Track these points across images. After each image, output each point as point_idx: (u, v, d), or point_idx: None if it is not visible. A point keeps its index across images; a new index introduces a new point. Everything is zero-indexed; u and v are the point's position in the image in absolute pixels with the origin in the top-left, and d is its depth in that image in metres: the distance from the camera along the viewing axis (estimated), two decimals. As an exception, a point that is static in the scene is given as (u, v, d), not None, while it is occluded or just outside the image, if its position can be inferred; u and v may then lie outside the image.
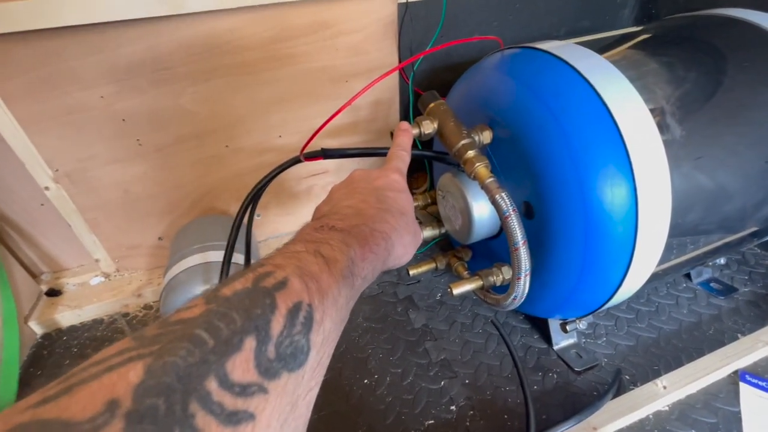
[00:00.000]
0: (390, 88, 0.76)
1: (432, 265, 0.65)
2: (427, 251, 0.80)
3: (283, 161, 0.53)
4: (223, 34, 0.61)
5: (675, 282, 0.71)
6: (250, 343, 0.19)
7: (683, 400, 0.55)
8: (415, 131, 0.50)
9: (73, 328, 0.69)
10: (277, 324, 0.20)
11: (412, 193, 0.67)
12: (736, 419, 0.52)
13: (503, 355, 0.61)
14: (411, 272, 0.64)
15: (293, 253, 0.25)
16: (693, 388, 0.55)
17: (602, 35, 0.59)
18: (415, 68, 0.74)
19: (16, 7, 0.49)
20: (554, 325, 0.61)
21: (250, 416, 0.17)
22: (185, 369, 0.17)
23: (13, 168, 0.61)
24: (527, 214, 0.51)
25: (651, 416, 0.53)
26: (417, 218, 0.66)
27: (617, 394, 0.54)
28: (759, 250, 0.76)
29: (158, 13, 0.54)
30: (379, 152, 0.54)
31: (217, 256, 0.60)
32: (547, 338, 0.62)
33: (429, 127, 0.50)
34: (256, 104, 0.68)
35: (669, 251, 0.48)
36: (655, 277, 0.51)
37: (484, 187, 0.45)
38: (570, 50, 0.49)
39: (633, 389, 0.55)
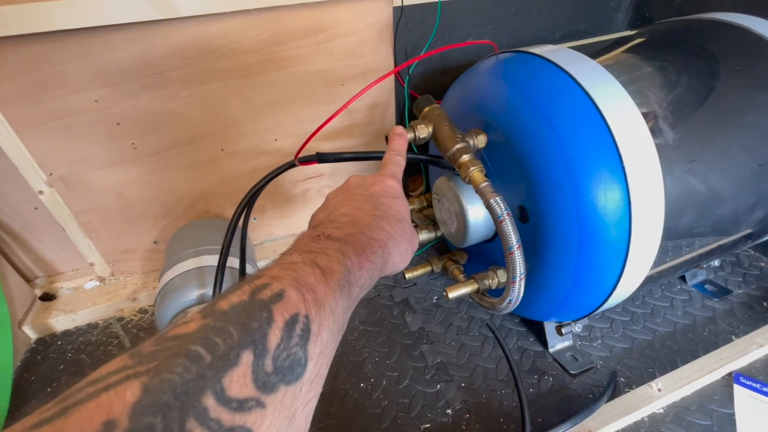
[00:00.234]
0: (385, 91, 0.76)
1: (428, 268, 0.65)
2: (423, 254, 0.80)
3: (277, 164, 0.53)
4: (217, 38, 0.60)
5: (670, 284, 0.71)
6: (247, 358, 0.18)
7: (678, 403, 0.55)
8: (410, 135, 0.50)
9: (67, 333, 0.69)
10: (274, 337, 0.20)
11: (408, 196, 0.68)
12: (730, 421, 0.53)
13: (499, 358, 0.61)
14: (407, 275, 0.64)
15: (289, 264, 0.25)
16: (687, 390, 0.55)
17: (596, 39, 0.59)
18: (410, 71, 0.74)
19: (5, 12, 0.49)
20: (550, 328, 0.62)
21: (247, 431, 0.17)
22: (182, 386, 0.17)
23: (7, 172, 0.61)
24: (522, 218, 0.51)
25: (646, 419, 0.53)
26: (413, 221, 0.66)
27: (612, 397, 0.55)
28: (753, 252, 0.76)
29: (151, 17, 0.54)
30: (374, 156, 0.54)
31: (212, 260, 0.60)
32: (543, 341, 0.62)
33: (424, 131, 0.50)
34: (251, 108, 0.68)
35: (663, 254, 0.48)
36: (649, 280, 0.51)
37: (479, 191, 0.45)
38: (563, 55, 0.50)
39: (628, 392, 0.55)
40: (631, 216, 0.43)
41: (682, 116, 0.48)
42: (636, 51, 0.56)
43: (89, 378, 0.17)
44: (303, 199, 0.82)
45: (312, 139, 0.51)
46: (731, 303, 0.68)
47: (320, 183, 0.81)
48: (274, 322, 0.20)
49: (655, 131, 0.45)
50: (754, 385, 0.56)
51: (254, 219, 0.80)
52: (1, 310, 0.62)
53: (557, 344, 0.62)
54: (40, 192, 0.63)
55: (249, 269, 0.60)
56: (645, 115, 0.45)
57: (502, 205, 0.44)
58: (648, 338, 0.63)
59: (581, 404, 0.54)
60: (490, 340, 0.64)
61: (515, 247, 0.44)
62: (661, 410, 0.54)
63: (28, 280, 0.74)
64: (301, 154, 0.51)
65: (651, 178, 0.43)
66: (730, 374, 0.57)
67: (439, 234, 0.63)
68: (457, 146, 0.48)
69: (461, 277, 0.62)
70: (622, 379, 0.58)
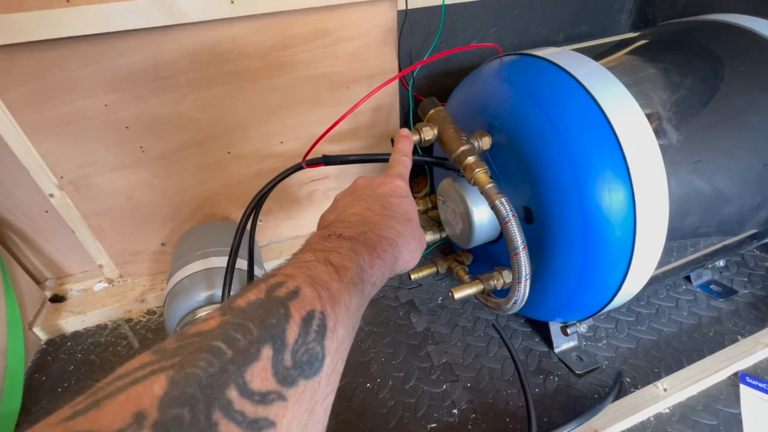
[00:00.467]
0: (390, 93, 0.76)
1: (433, 269, 0.65)
2: (428, 255, 0.80)
3: (283, 167, 0.54)
4: (225, 43, 0.61)
5: (675, 284, 0.71)
6: (267, 352, 0.19)
7: (684, 402, 0.55)
8: (416, 138, 0.50)
9: (77, 334, 0.70)
10: (292, 332, 0.20)
11: (413, 198, 0.68)
12: (737, 421, 0.53)
13: (504, 358, 0.62)
14: (412, 276, 0.65)
15: (303, 262, 0.25)
16: (693, 390, 0.56)
17: (599, 41, 0.59)
18: (414, 74, 0.75)
19: (18, 19, 0.50)
20: (555, 328, 0.62)
21: (270, 423, 0.18)
22: (206, 379, 0.17)
23: (18, 175, 0.62)
24: (527, 218, 0.51)
25: (652, 418, 0.54)
26: (418, 223, 0.66)
27: (618, 397, 0.55)
28: (758, 252, 0.76)
29: (160, 23, 0.55)
30: (380, 158, 0.55)
31: (220, 261, 0.60)
32: (548, 341, 0.63)
33: (429, 133, 0.51)
34: (258, 111, 0.69)
35: (668, 254, 0.49)
36: (654, 280, 0.51)
37: (484, 193, 0.46)
38: (567, 57, 0.50)
39: (634, 392, 0.56)
40: (635, 216, 0.43)
41: (686, 117, 0.48)
42: (639, 53, 0.57)
43: (116, 373, 0.18)
44: (309, 201, 0.83)
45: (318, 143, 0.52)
46: (737, 303, 0.68)
47: (326, 185, 0.82)
48: (292, 318, 0.21)
49: (659, 132, 0.45)
50: (760, 385, 0.56)
51: (260, 221, 0.80)
52: (12, 312, 0.63)
53: (562, 344, 0.62)
54: (51, 195, 0.64)
55: (256, 271, 0.61)
56: (649, 117, 0.45)
57: (507, 206, 0.44)
58: (653, 338, 0.63)
59: (587, 404, 0.55)
60: (496, 340, 0.64)
61: (520, 248, 0.45)
62: (667, 410, 0.54)
63: (39, 282, 0.75)
64: (308, 157, 0.52)
65: (655, 179, 0.44)
66: (736, 374, 0.57)
67: (444, 235, 0.63)
68: (463, 148, 0.48)
69: (466, 277, 0.62)
70: (627, 379, 0.58)
